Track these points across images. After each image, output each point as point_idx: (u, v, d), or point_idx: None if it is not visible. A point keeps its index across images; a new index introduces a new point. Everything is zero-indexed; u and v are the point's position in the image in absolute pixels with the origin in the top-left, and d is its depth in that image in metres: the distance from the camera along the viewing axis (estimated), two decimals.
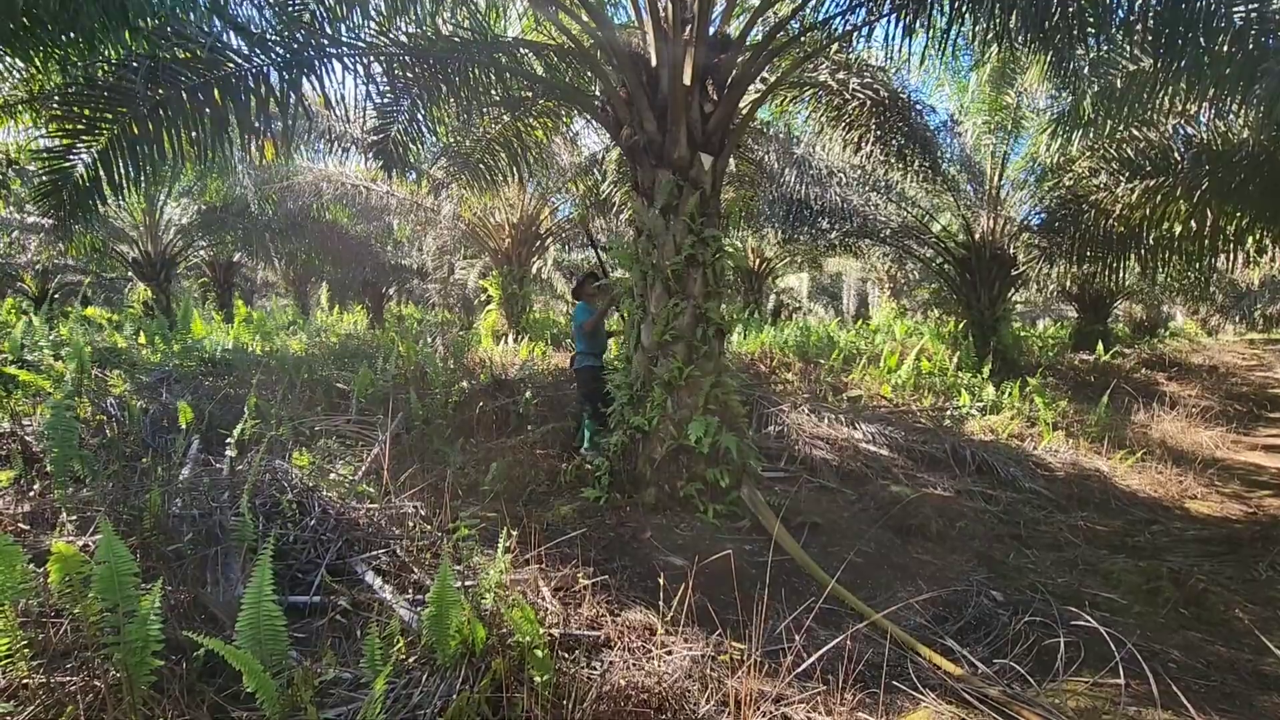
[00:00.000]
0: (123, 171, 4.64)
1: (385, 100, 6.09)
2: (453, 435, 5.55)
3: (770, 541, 3.95)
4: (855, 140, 7.53)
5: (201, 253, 14.57)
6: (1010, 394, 7.61)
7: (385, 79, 5.72)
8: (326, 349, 7.45)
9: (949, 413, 6.97)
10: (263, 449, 3.91)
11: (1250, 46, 4.34)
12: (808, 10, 4.81)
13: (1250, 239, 5.92)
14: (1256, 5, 4.41)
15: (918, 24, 4.75)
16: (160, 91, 4.86)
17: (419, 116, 6.38)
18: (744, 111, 5.07)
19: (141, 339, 7.04)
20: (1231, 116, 6.06)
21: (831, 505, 5.25)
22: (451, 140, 8.10)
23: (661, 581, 2.82)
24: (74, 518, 2.97)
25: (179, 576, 2.62)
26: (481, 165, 8.25)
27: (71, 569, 2.06)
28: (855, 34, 4.98)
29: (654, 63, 4.68)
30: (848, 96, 6.57)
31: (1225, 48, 4.44)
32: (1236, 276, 11.40)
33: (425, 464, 4.80)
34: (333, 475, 3.77)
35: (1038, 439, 6.49)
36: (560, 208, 12.50)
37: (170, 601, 2.40)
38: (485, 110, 6.95)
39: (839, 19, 4.84)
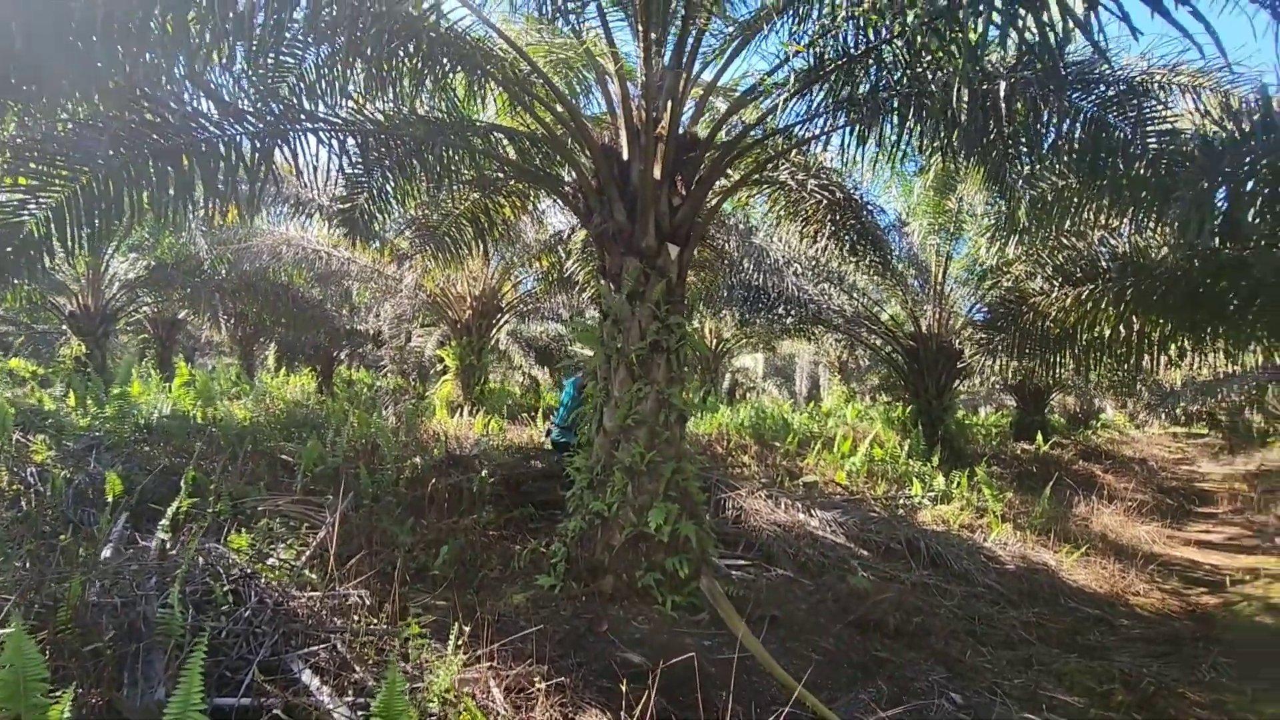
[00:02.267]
0: (76, 230, 4.50)
1: (355, 172, 6.16)
2: (403, 514, 5.33)
3: (730, 636, 3.85)
4: (811, 234, 7.93)
5: (145, 309, 14.08)
6: (959, 484, 7.78)
7: (359, 153, 5.79)
8: (273, 417, 7.16)
9: (901, 501, 7.07)
10: (196, 529, 3.68)
11: (1163, 172, 4.80)
12: (770, 118, 5.12)
13: (1173, 345, 6.35)
14: (1169, 136, 4.89)
15: (870, 134, 5.11)
16: (124, 152, 4.82)
17: (388, 189, 6.46)
18: (710, 206, 5.29)
19: (71, 399, 6.65)
20: (1150, 233, 6.63)
21: (789, 596, 5.17)
22: (419, 213, 8.18)
23: (623, 688, 2.70)
24: None
25: (94, 677, 2.38)
26: (448, 238, 8.33)
27: None
28: (814, 140, 5.31)
29: (625, 156, 4.88)
30: (805, 195, 6.95)
31: (1141, 172, 4.91)
32: (1161, 376, 12.15)
33: (373, 546, 4.58)
34: (272, 560, 3.55)
35: (987, 530, 6.61)
36: (523, 281, 12.61)
37: (82, 708, 2.17)
38: (456, 188, 7.08)
39: (799, 126, 5.16)
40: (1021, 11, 3.36)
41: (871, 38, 4.01)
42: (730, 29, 4.87)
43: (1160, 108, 5.18)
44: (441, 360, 12.87)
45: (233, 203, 5.72)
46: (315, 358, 18.19)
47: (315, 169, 5.66)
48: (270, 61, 5.00)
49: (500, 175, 6.61)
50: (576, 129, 4.79)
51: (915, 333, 10.67)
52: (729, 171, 5.56)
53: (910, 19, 3.47)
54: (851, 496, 7.00)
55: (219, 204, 5.31)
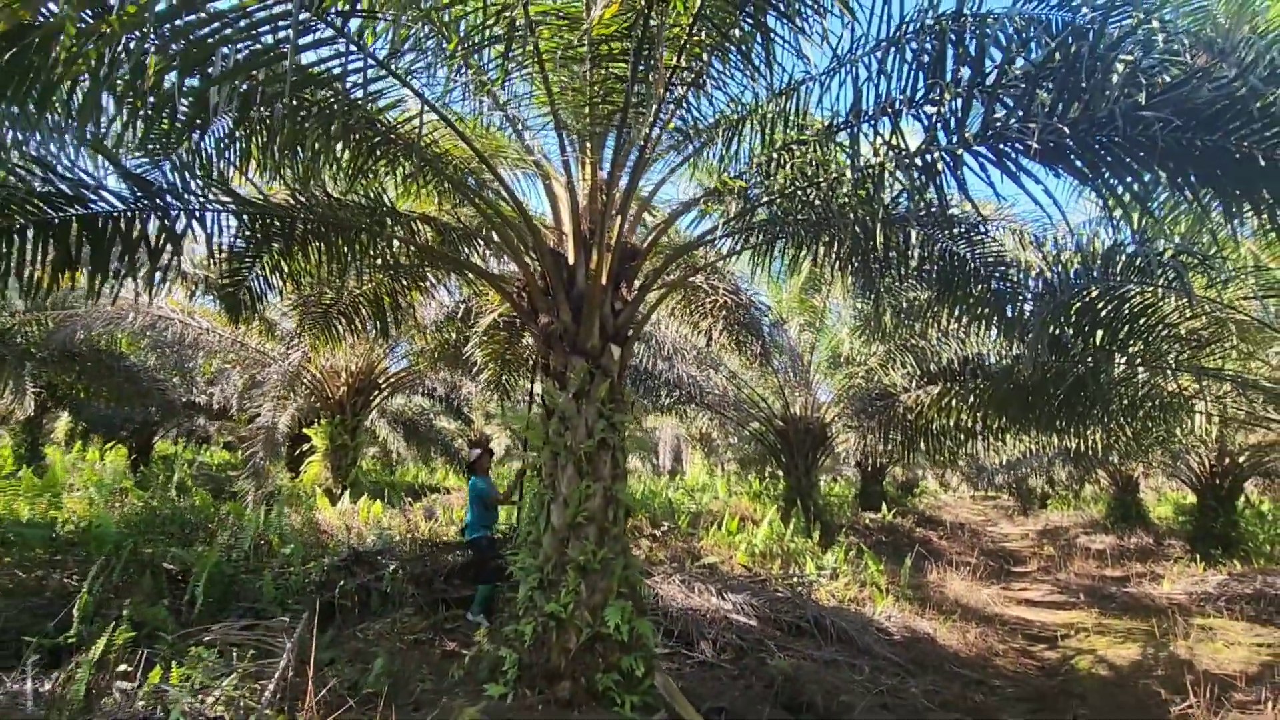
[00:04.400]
0: None
1: (247, 249, 5.83)
2: (318, 623, 4.88)
3: None
4: (706, 328, 8.63)
5: None
6: (838, 558, 8.50)
7: (278, 230, 5.56)
8: (130, 515, 6.25)
9: (796, 579, 7.59)
10: (111, 664, 3.20)
11: (993, 290, 5.96)
12: (708, 234, 5.70)
13: (1008, 436, 7.60)
14: (1000, 265, 6.07)
15: (779, 250, 5.86)
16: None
17: (282, 266, 6.16)
18: (648, 308, 5.65)
19: None
20: (982, 340, 8.02)
21: (717, 684, 5.37)
22: (313, 290, 7.77)
23: None
24: None
25: None
26: (340, 317, 7.99)
27: None
28: (734, 253, 5.95)
29: (571, 260, 5.13)
30: (711, 295, 7.59)
31: (979, 290, 6.06)
32: (980, 454, 14.20)
33: (290, 661, 4.17)
34: (210, 699, 3.16)
35: (872, 602, 7.28)
36: (404, 357, 12.14)
37: None
38: (366, 271, 6.89)
39: (726, 240, 5.80)
40: (923, 179, 4.20)
41: (801, 182, 4.69)
42: (674, 155, 5.40)
43: (993, 243, 6.44)
44: (306, 439, 11.87)
45: (126, 280, 5.26)
46: (134, 432, 15.88)
47: (221, 248, 5.40)
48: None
49: (418, 261, 6.56)
50: (529, 233, 4.98)
51: (786, 414, 11.66)
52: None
53: (847, 175, 4.15)
54: (755, 578, 7.42)
55: (106, 280, 4.91)
